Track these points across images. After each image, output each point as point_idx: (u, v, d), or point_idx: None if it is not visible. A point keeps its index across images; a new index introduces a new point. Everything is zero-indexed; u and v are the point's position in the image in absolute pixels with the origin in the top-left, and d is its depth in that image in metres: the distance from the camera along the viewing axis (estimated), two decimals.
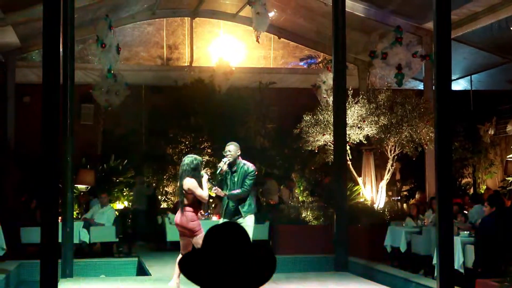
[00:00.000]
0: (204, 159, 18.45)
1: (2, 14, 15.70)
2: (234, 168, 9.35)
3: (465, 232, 11.05)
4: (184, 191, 8.86)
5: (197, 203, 8.99)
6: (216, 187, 9.36)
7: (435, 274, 10.22)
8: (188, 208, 8.91)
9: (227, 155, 9.32)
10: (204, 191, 8.87)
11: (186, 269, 2.32)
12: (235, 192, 9.28)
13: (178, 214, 8.99)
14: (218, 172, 9.32)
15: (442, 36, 8.27)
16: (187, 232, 8.95)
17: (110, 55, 13.87)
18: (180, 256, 9.03)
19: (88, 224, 14.74)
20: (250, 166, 9.37)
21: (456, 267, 10.18)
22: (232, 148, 9.35)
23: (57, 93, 6.84)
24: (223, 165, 9.27)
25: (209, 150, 18.52)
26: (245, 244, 2.28)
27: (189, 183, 8.81)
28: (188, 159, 9.02)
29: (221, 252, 2.23)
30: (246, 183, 9.28)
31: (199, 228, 8.92)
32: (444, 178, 8.14)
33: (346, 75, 12.86)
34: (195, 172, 8.86)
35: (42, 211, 6.76)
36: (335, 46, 12.69)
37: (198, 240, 8.95)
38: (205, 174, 9.06)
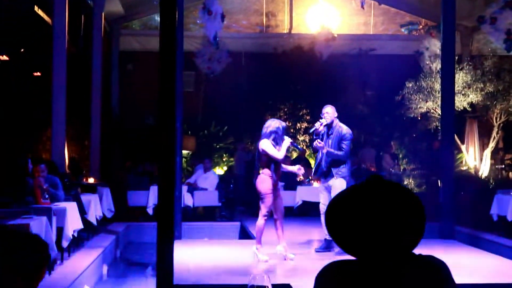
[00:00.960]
0: (302, 126, 18.54)
1: None
2: (331, 131, 9.37)
3: None
4: (258, 152, 8.95)
5: (272, 166, 8.92)
6: (318, 139, 9.34)
7: None
8: (262, 171, 8.97)
9: (324, 117, 9.35)
10: (280, 152, 8.89)
11: (331, 224, 2.15)
12: (335, 152, 9.27)
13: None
14: (311, 131, 9.39)
15: None
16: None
17: (216, 23, 14.00)
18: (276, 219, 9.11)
19: (192, 189, 15.06)
20: (344, 130, 9.32)
21: None
22: (329, 110, 9.36)
23: (173, 60, 6.94)
24: (318, 125, 9.32)
25: (307, 117, 18.54)
26: (395, 195, 2.09)
27: (262, 143, 8.88)
28: (267, 122, 9.09)
29: (370, 206, 2.07)
30: (343, 147, 9.27)
31: (266, 193, 8.83)
32: None
33: (455, 40, 12.51)
34: (273, 135, 8.90)
35: (159, 176, 6.95)
36: (444, 10, 12.33)
37: (261, 205, 8.92)
38: (287, 138, 9.04)
